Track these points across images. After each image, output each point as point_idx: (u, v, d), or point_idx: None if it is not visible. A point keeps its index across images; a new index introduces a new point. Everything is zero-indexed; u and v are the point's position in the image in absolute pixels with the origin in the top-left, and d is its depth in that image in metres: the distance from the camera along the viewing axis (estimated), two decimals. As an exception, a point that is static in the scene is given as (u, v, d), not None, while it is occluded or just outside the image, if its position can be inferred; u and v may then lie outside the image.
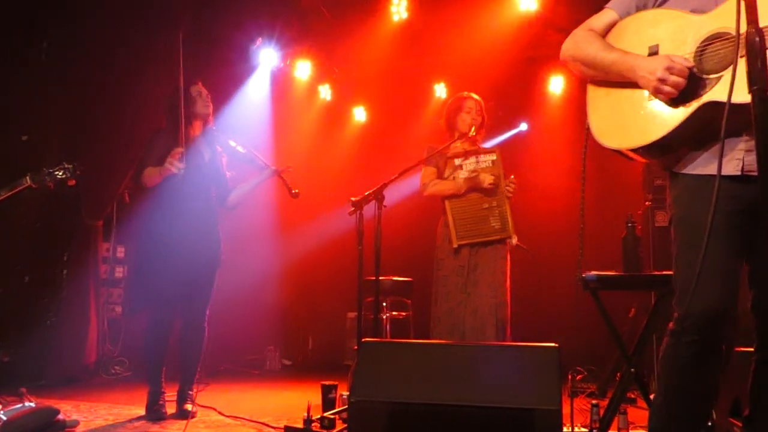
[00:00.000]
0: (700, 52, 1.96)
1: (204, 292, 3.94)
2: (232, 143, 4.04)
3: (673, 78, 1.93)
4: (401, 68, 6.84)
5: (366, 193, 3.65)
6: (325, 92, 7.43)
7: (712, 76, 1.94)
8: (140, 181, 3.86)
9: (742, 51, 1.78)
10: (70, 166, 3.23)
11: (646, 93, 2.05)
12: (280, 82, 7.04)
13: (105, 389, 5.01)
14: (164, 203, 3.78)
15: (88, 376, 5.43)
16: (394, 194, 4.67)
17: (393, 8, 6.31)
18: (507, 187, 4.14)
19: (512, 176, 4.20)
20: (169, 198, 3.75)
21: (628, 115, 2.09)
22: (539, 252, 5.94)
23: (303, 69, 7.01)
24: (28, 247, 5.48)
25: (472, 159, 4.15)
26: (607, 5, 2.26)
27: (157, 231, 3.80)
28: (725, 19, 1.93)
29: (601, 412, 3.07)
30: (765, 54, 1.34)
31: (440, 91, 7.49)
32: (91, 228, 5.86)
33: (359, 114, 7.71)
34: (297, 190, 3.90)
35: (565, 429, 3.06)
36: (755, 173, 1.66)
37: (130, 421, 3.71)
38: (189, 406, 3.85)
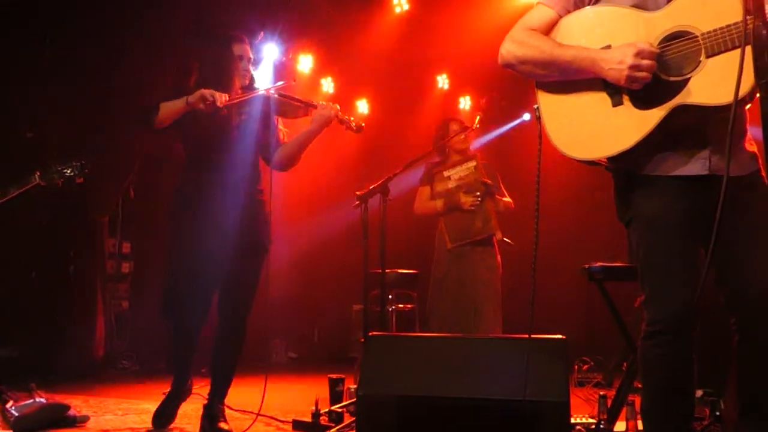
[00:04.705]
0: (661, 53, 1.88)
1: (244, 286, 3.27)
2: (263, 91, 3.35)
3: (646, 62, 1.85)
4: (403, 60, 6.83)
5: (371, 187, 3.66)
6: (327, 85, 7.42)
7: (677, 78, 1.86)
8: (151, 122, 3.13)
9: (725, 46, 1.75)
10: (79, 163, 3.19)
11: (609, 99, 1.96)
12: (283, 76, 7.03)
13: (114, 384, 5.05)
14: (190, 175, 3.25)
15: (96, 371, 5.45)
16: (400, 186, 4.71)
17: (394, 0, 6.30)
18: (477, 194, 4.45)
19: (488, 181, 4.48)
20: (196, 168, 3.23)
21: (592, 123, 1.98)
22: (543, 242, 5.94)
23: (305, 62, 7.01)
24: (35, 244, 5.51)
25: (457, 168, 4.52)
26: (541, 1, 2.10)
27: (182, 214, 3.24)
28: (682, 16, 1.86)
29: (609, 402, 3.08)
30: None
31: (443, 82, 7.49)
32: (96, 224, 5.89)
33: (362, 106, 7.70)
34: (362, 123, 3.43)
35: (572, 420, 3.08)
36: (721, 173, 1.66)
37: (140, 415, 3.73)
38: (224, 426, 3.19)
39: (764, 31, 1.29)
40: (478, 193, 4.38)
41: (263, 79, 6.69)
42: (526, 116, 7.08)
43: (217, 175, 3.18)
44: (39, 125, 5.50)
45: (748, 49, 1.34)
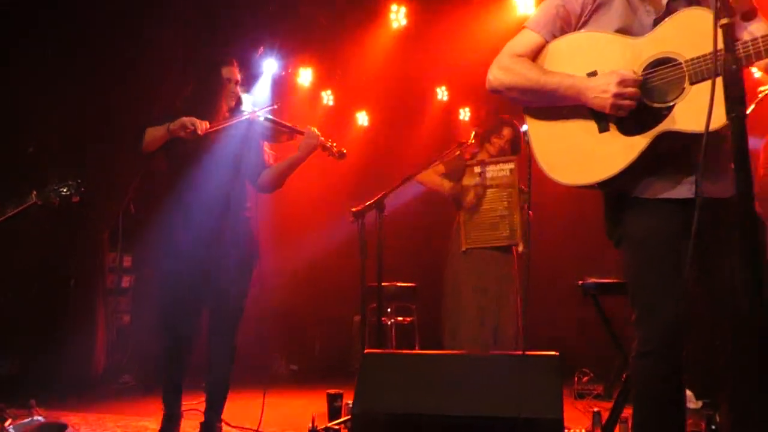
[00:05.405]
0: (645, 79, 1.89)
1: (233, 301, 3.30)
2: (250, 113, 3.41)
3: (630, 90, 1.88)
4: (403, 72, 6.86)
5: (367, 204, 3.67)
6: (327, 98, 7.47)
7: (662, 104, 1.87)
8: (139, 147, 3.23)
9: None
10: (75, 182, 3.25)
11: (595, 125, 1.97)
12: (283, 89, 7.07)
13: (113, 399, 5.05)
14: (174, 196, 3.25)
15: (96, 386, 5.46)
16: (398, 200, 4.71)
17: (392, 15, 6.34)
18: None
19: (525, 189, 4.25)
20: (180, 189, 3.23)
21: (579, 149, 2.00)
22: (543, 254, 5.95)
23: (305, 76, 7.05)
24: (36, 258, 5.54)
25: (492, 167, 4.28)
26: (527, 26, 2.12)
27: (168, 232, 3.27)
28: (666, 43, 1.87)
29: (605, 415, 3.08)
30: (742, 81, 1.33)
31: (442, 94, 7.53)
32: (97, 238, 5.91)
33: (362, 118, 7.74)
34: (344, 150, 3.47)
35: (569, 434, 3.08)
36: (708, 196, 1.69)
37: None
38: None
39: (734, 66, 1.30)
40: (505, 203, 4.17)
41: (260, 94, 6.74)
42: (525, 127, 7.08)
43: (202, 195, 3.22)
44: (40, 141, 5.54)
45: (719, 81, 1.36)
